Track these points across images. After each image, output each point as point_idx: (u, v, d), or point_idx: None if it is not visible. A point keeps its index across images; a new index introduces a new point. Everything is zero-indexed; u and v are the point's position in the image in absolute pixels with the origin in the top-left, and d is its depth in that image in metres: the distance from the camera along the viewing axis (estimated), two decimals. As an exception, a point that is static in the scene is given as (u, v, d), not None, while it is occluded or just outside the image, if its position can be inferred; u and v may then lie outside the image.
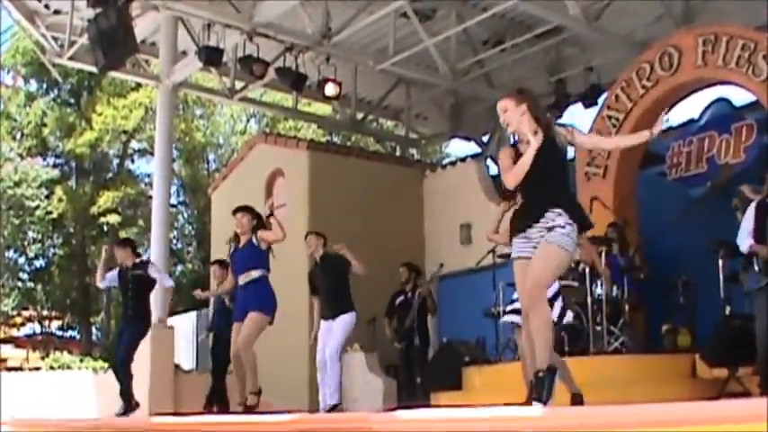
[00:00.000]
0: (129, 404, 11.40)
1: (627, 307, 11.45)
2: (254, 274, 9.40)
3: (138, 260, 11.73)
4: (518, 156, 6.05)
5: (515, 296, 7.68)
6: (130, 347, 11.51)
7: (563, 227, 5.82)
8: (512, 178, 5.97)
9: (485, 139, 19.32)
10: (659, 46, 12.79)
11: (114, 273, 11.88)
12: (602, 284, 11.21)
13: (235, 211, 9.67)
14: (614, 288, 11.44)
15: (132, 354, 11.66)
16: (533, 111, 6.09)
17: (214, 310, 12.96)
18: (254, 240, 9.43)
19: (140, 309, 11.56)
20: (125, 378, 11.49)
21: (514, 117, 6.06)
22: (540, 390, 5.60)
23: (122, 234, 31.26)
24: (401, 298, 13.59)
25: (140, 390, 13.36)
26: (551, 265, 5.85)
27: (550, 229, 5.83)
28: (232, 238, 9.86)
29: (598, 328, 11.03)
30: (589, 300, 11.04)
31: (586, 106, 15.41)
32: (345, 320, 10.68)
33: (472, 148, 19.97)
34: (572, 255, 5.98)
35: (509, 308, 8.03)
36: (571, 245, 5.86)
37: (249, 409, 9.10)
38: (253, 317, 9.21)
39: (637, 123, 13.05)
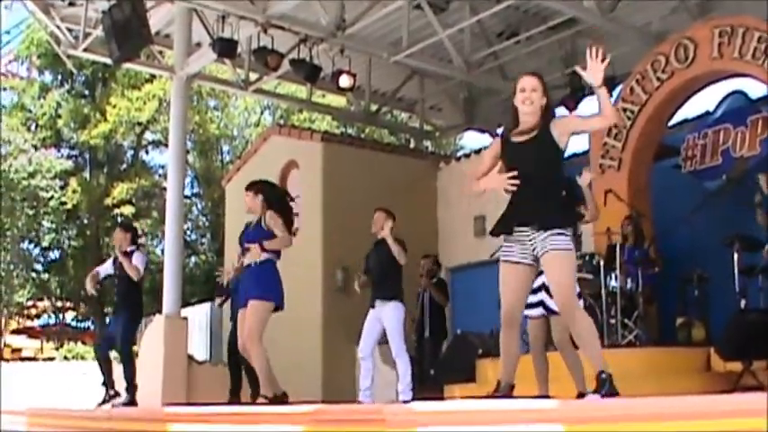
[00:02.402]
0: (133, 395, 11.45)
1: (641, 300, 11.42)
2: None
3: (129, 247, 11.70)
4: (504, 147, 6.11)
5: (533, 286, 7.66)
6: (127, 338, 11.54)
7: (558, 232, 5.79)
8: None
9: (499, 131, 19.25)
10: (675, 38, 12.73)
11: (109, 261, 11.95)
12: (616, 277, 11.19)
13: (244, 190, 9.30)
14: (629, 281, 11.40)
15: (130, 341, 11.71)
16: (550, 109, 6.07)
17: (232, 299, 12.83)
18: (263, 221, 8.99)
19: (127, 295, 11.55)
20: (130, 369, 11.53)
21: (537, 103, 6.01)
22: (603, 387, 5.64)
23: (137, 225, 31.40)
24: (420, 289, 13.60)
25: (153, 380, 13.42)
26: (568, 272, 5.82)
27: (546, 234, 5.78)
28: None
29: (612, 320, 11.02)
30: (603, 292, 11.03)
31: (601, 99, 15.35)
32: (394, 311, 10.24)
33: (486, 140, 19.95)
34: (573, 248, 5.94)
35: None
36: (570, 242, 5.82)
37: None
38: (253, 307, 8.78)
39: (652, 116, 13.03)
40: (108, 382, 11.54)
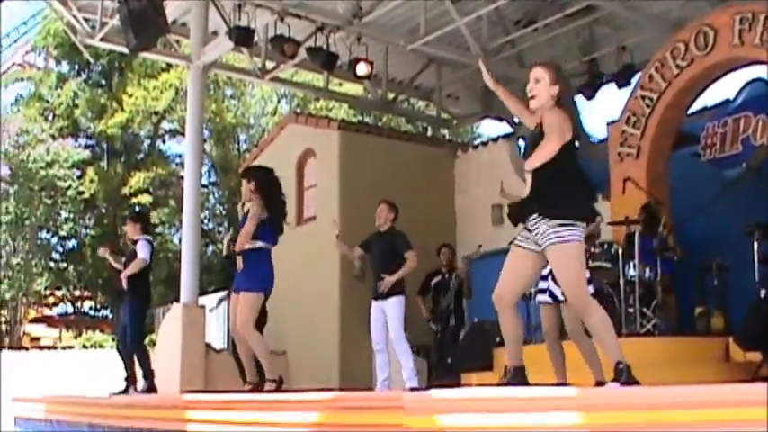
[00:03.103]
0: (152, 381, 11.46)
1: (660, 289, 11.35)
2: (247, 245, 8.89)
3: (138, 236, 11.72)
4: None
5: (545, 272, 7.63)
6: (134, 326, 11.56)
7: (559, 223, 5.74)
8: (533, 162, 5.85)
9: (516, 119, 19.21)
10: (694, 25, 12.64)
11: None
12: (634, 266, 11.13)
13: (241, 176, 9.24)
14: (647, 270, 11.34)
15: (141, 330, 11.73)
16: (563, 97, 5.95)
17: None
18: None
19: (135, 285, 11.55)
20: (142, 356, 11.56)
21: (544, 93, 5.94)
22: (622, 377, 5.62)
23: (154, 215, 31.51)
24: (438, 278, 13.56)
25: (172, 369, 13.44)
26: (570, 265, 5.77)
27: (549, 226, 5.75)
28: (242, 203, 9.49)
29: (630, 309, 10.97)
30: (621, 281, 10.98)
31: (620, 86, 15.29)
32: (396, 305, 10.36)
33: (504, 128, 19.88)
34: (581, 240, 5.86)
35: (539, 287, 8.00)
36: (573, 233, 5.75)
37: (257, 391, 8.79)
38: (244, 299, 8.78)
39: (671, 103, 12.95)
40: (130, 376, 11.58)
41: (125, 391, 11.45)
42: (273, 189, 9.15)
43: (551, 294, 7.74)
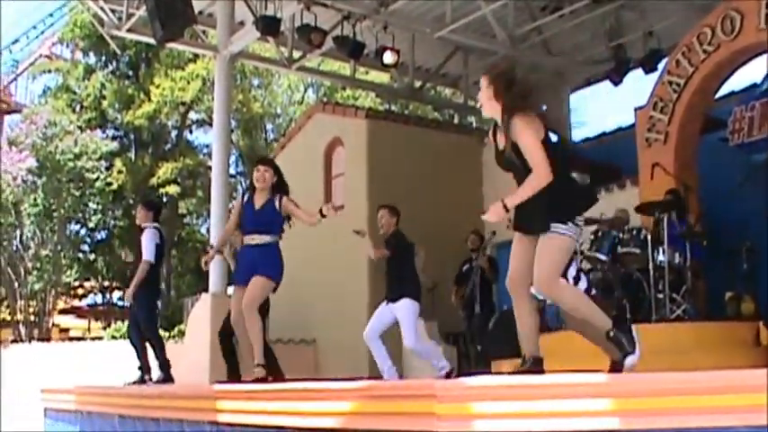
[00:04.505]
0: (167, 372, 11.43)
1: (689, 274, 11.31)
2: (268, 238, 8.71)
3: (147, 224, 11.61)
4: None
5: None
6: (145, 315, 11.48)
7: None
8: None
9: (544, 106, 19.18)
10: (721, 10, 12.58)
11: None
12: (664, 251, 11.09)
13: (258, 162, 9.10)
14: (676, 255, 11.30)
15: (153, 320, 11.69)
16: (504, 98, 5.81)
17: None
18: (276, 203, 8.74)
19: (146, 275, 11.48)
20: (157, 346, 11.52)
21: (484, 101, 5.89)
22: (621, 346, 5.60)
23: (182, 205, 31.57)
24: (466, 266, 13.57)
25: (201, 359, 13.50)
26: (548, 252, 5.70)
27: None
28: (248, 188, 9.30)
29: (660, 295, 10.94)
30: (651, 267, 10.95)
31: (647, 72, 15.26)
32: (406, 309, 10.14)
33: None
34: (574, 234, 5.79)
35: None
36: (571, 228, 5.72)
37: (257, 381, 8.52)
38: (260, 281, 8.57)
39: (698, 88, 12.90)
40: (143, 366, 11.55)
41: (141, 381, 11.43)
42: (287, 189, 9.05)
43: None
